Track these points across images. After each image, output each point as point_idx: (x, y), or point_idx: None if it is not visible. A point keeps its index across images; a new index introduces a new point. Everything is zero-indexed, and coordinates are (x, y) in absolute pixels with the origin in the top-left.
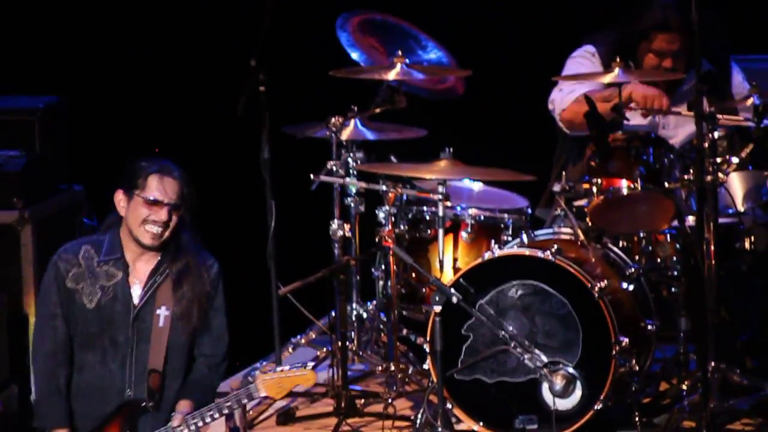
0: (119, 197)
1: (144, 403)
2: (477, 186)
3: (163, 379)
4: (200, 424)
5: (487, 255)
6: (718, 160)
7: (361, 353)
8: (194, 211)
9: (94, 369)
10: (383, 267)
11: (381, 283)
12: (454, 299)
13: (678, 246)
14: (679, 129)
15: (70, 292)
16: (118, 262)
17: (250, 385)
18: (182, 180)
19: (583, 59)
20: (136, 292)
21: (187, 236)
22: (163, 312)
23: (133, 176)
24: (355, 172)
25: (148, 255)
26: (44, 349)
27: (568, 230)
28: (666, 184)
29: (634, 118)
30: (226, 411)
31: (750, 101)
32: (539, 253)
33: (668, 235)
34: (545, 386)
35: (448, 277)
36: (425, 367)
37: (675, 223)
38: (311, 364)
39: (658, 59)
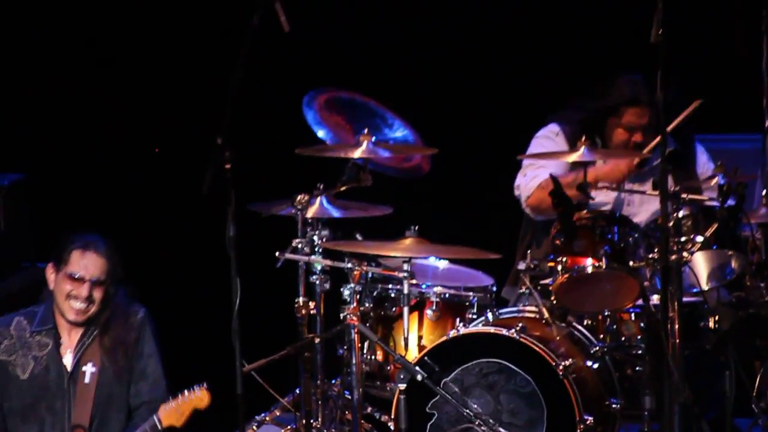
0: (49, 271)
1: None
2: (442, 264)
3: None
4: None
5: (452, 333)
6: (683, 239)
7: (325, 431)
8: (121, 280)
9: None
10: (348, 345)
11: (346, 360)
12: (419, 377)
13: (642, 325)
14: (643, 207)
15: (2, 364)
16: (50, 332)
17: (152, 416)
18: (106, 255)
19: (546, 140)
20: (68, 359)
21: (114, 288)
22: (89, 369)
23: (59, 251)
24: (320, 250)
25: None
26: None
27: (533, 308)
28: (631, 263)
29: (599, 196)
30: None
31: (715, 181)
32: (504, 332)
33: (633, 314)
34: None
35: (413, 354)
36: None
37: (639, 301)
38: (205, 384)
39: (628, 134)
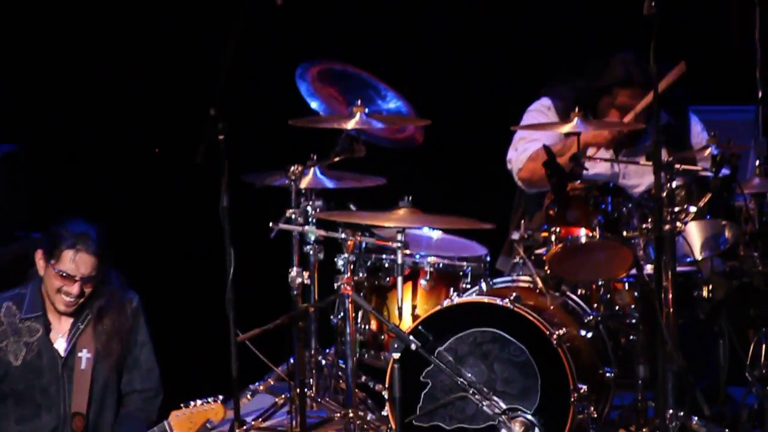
0: (38, 257)
1: None
2: (436, 234)
3: (86, 421)
4: None
5: (446, 302)
6: (676, 209)
7: (319, 400)
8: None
9: (28, 422)
10: (342, 314)
11: (340, 330)
12: (413, 346)
13: (636, 294)
14: (640, 179)
15: None
16: (39, 318)
17: (163, 422)
18: (97, 252)
19: (538, 113)
20: (61, 344)
21: (109, 273)
22: (84, 354)
23: (50, 244)
24: (314, 220)
25: None
26: None
27: (527, 278)
28: (624, 233)
29: (594, 168)
30: None
31: (708, 151)
32: (498, 301)
33: (626, 284)
34: None
35: (406, 324)
36: (384, 413)
37: (633, 271)
38: (221, 397)
39: (621, 114)
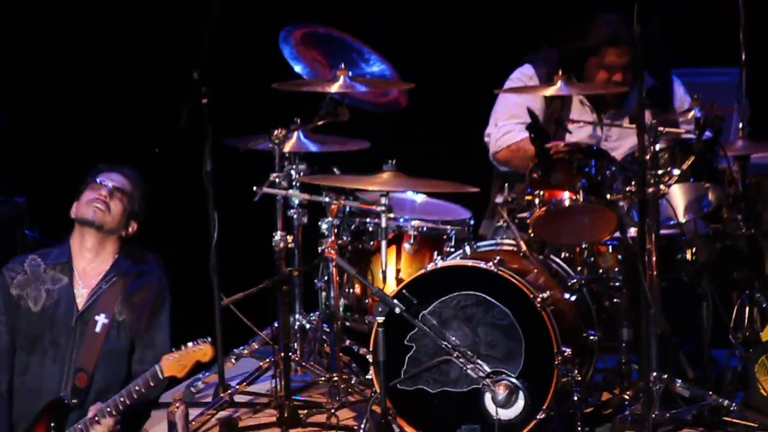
0: (74, 206)
1: (68, 401)
2: (420, 198)
3: (90, 380)
4: (113, 412)
5: (430, 266)
6: (660, 172)
7: (304, 364)
8: (141, 216)
9: (33, 370)
10: (326, 278)
11: (324, 294)
12: (397, 310)
13: (620, 257)
14: (622, 141)
15: (14, 298)
16: (65, 266)
17: (154, 366)
18: (130, 177)
19: (520, 83)
20: (82, 296)
21: (145, 254)
22: (101, 319)
23: (89, 175)
24: (297, 184)
25: (98, 261)
26: None
27: (511, 242)
28: (608, 196)
29: (577, 132)
30: (135, 395)
31: (692, 114)
32: (482, 264)
33: (610, 246)
34: (488, 396)
35: (390, 288)
36: (368, 377)
37: (617, 234)
38: (209, 338)
39: (609, 74)
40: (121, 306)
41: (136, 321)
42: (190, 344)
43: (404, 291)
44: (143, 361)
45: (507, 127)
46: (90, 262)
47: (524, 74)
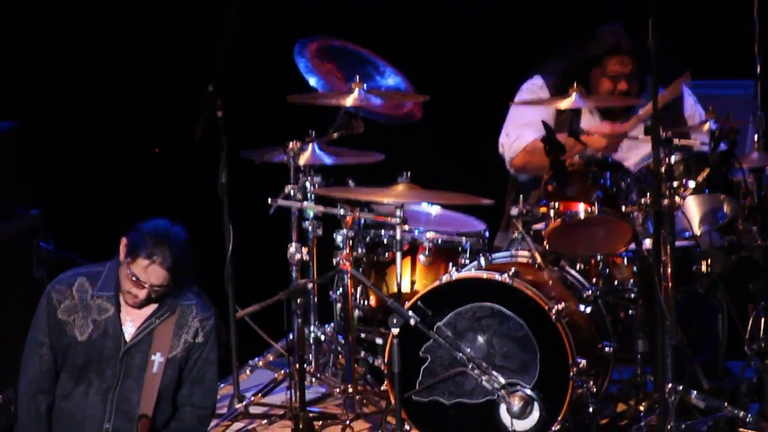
0: (122, 245)
1: None
2: (435, 210)
3: (153, 425)
4: None
5: (445, 278)
6: (675, 184)
7: (319, 375)
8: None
9: (77, 399)
10: (341, 290)
11: (339, 305)
12: (412, 321)
13: (635, 269)
14: (631, 152)
15: (60, 323)
16: (111, 299)
17: None
18: (171, 268)
19: (531, 93)
20: (129, 329)
21: (190, 288)
22: (158, 358)
23: (132, 243)
24: (312, 197)
25: None
26: (28, 375)
27: (526, 253)
28: (623, 208)
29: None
30: None
31: (707, 126)
32: (497, 276)
33: (625, 258)
34: (503, 408)
35: (406, 299)
36: (383, 388)
37: (632, 246)
38: None
39: (613, 83)
40: (175, 341)
41: (180, 358)
42: None
43: (419, 302)
44: (191, 397)
45: (518, 132)
46: None
47: (535, 85)
